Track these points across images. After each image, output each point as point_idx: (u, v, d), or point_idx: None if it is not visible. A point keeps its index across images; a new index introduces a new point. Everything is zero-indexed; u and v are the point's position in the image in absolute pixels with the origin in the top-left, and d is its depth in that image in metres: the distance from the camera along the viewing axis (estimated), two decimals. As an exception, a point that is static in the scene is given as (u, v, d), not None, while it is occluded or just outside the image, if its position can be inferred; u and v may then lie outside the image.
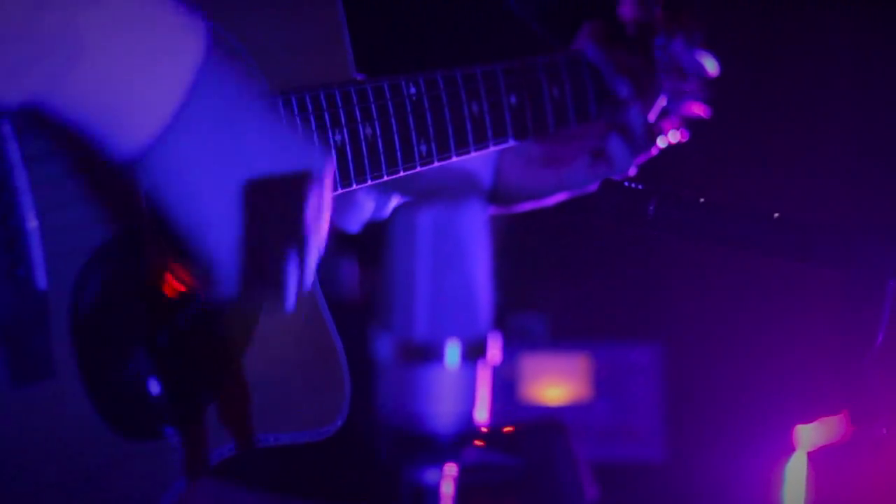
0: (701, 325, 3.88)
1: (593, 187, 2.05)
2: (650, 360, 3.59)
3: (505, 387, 3.60)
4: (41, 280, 1.49)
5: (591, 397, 3.59)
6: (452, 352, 1.18)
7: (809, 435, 3.71)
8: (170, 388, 1.58)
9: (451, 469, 1.21)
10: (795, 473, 3.69)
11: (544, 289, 3.84)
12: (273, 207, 1.47)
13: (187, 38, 1.42)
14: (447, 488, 1.20)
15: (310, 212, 1.49)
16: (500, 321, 1.22)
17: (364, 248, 2.03)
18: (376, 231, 2.01)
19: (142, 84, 1.40)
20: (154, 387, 1.58)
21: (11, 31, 1.32)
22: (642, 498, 3.32)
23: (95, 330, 1.54)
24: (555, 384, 3.59)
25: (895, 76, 3.80)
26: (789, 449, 3.71)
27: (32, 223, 1.48)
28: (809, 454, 3.64)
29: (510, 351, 3.63)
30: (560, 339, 3.62)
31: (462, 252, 1.18)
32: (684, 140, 2.25)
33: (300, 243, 1.49)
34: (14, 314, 1.47)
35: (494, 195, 2.21)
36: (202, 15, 1.45)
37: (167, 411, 1.58)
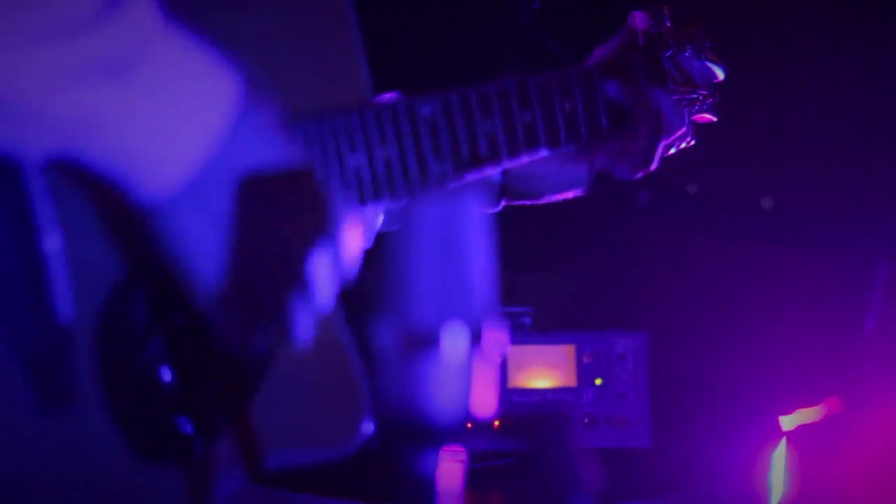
0: (686, 314, 3.90)
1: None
2: (635, 348, 3.61)
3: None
4: (65, 311, 1.49)
5: (578, 386, 3.61)
6: (457, 341, 1.20)
7: (792, 422, 3.74)
8: (190, 413, 1.59)
9: (451, 458, 1.22)
10: (781, 458, 3.72)
11: (529, 280, 3.85)
12: (280, 262, 1.48)
13: (219, 89, 1.42)
14: (448, 477, 1.21)
15: (321, 266, 1.49)
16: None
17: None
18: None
19: (170, 136, 1.39)
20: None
21: (24, 104, 1.30)
22: (630, 483, 3.34)
23: (117, 358, 1.55)
24: (541, 375, 3.60)
25: (874, 62, 3.82)
26: (776, 434, 3.74)
27: (58, 256, 1.48)
28: (789, 435, 3.67)
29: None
30: (545, 329, 3.63)
31: (466, 243, 1.20)
32: (690, 146, 2.27)
33: (310, 296, 1.50)
34: (39, 344, 1.47)
35: (511, 188, 2.22)
36: (236, 64, 1.44)
37: (190, 434, 1.58)
